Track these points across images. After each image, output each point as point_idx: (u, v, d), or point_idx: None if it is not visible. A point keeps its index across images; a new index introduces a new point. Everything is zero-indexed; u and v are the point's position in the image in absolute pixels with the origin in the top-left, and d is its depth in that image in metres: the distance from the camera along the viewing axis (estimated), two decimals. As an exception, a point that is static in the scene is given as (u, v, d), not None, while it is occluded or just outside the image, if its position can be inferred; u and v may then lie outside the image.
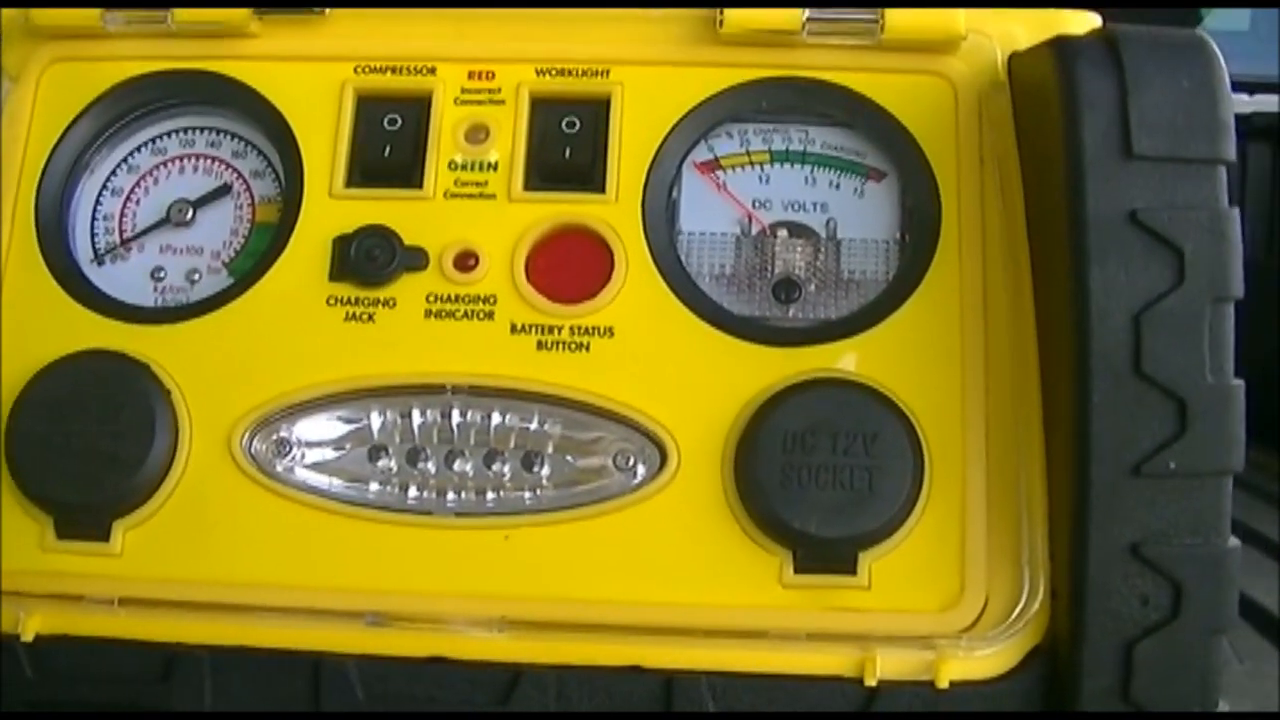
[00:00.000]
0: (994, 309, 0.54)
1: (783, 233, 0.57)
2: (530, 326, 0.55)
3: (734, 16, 0.57)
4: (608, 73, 0.58)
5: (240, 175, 0.59)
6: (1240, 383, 0.50)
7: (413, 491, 0.54)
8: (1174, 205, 0.50)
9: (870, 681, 0.51)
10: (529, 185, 0.57)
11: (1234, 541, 0.50)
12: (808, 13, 0.57)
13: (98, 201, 0.59)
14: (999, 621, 0.52)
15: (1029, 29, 0.57)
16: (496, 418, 0.55)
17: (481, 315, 0.55)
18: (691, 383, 0.54)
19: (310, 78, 0.58)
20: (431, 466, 0.54)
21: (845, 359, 0.54)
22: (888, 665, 0.51)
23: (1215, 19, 1.01)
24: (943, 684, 0.51)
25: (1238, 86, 0.58)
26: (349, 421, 0.55)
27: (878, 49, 0.57)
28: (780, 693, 0.51)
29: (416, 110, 0.58)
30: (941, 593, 0.52)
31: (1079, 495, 0.50)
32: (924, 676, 0.51)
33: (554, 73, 0.58)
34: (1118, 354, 0.49)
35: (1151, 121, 0.50)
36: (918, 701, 0.51)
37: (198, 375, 0.55)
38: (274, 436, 0.55)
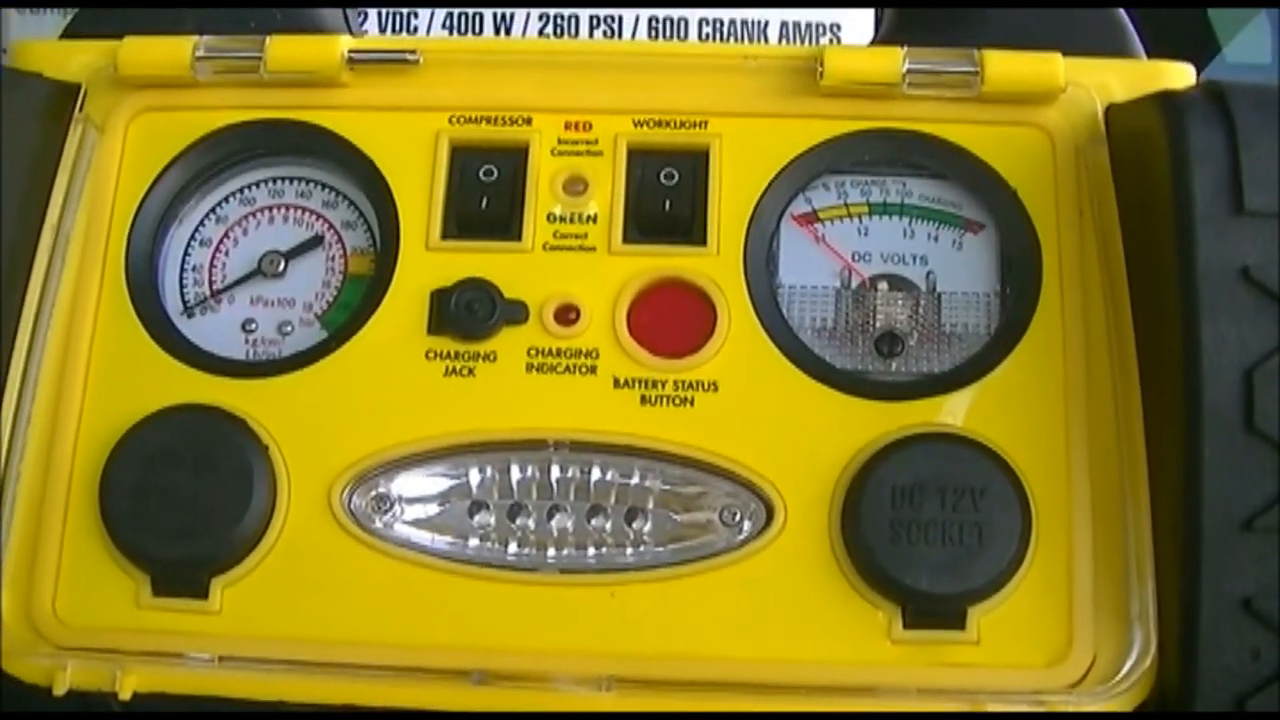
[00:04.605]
0: (1097, 361, 0.54)
1: (883, 285, 0.57)
2: (633, 381, 0.55)
3: (834, 67, 0.57)
4: (706, 124, 0.58)
5: (331, 226, 0.59)
6: (1353, 438, 0.50)
7: (513, 547, 0.54)
8: (1286, 261, 0.50)
9: (980, 737, 0.51)
10: (628, 238, 0.57)
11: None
12: (908, 64, 0.57)
13: (186, 252, 0.59)
14: (1107, 677, 0.51)
15: (1124, 81, 0.58)
16: (597, 473, 0.54)
17: (583, 369, 0.55)
18: (796, 437, 0.54)
19: (403, 128, 0.58)
20: (532, 522, 0.54)
21: (950, 413, 0.54)
22: (997, 721, 0.51)
23: (1236, 51, 1.00)
24: (1052, 739, 0.51)
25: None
26: (449, 477, 0.54)
27: (976, 100, 0.57)
28: (890, 748, 0.51)
29: (513, 161, 0.57)
30: (1049, 648, 0.52)
31: (1189, 550, 0.50)
32: (1033, 732, 0.51)
33: (652, 124, 0.58)
34: (1229, 410, 0.49)
35: (1262, 176, 0.50)
36: (1027, 756, 0.51)
37: (295, 430, 0.55)
38: (373, 492, 0.54)
